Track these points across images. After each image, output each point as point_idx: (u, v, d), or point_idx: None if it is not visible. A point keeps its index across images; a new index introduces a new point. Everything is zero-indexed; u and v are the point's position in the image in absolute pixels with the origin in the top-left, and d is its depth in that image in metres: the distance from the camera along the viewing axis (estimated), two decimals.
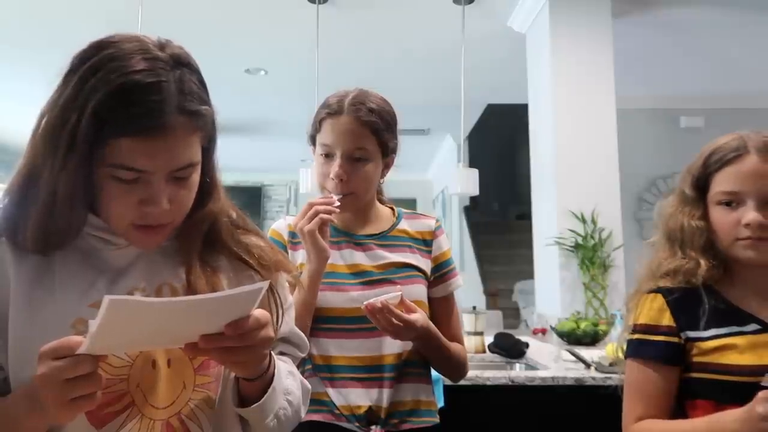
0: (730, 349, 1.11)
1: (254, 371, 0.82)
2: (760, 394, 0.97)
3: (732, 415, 1.02)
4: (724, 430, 1.03)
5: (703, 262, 1.18)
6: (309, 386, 1.00)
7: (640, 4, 3.75)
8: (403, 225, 1.44)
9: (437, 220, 1.47)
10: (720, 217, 1.18)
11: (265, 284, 0.72)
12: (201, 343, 0.73)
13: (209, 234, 0.90)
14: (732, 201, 1.16)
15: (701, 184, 1.22)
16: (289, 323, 0.98)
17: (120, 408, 0.81)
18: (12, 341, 0.79)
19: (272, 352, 0.88)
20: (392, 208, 1.48)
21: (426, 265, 1.40)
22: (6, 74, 4.98)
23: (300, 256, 1.35)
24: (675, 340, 1.16)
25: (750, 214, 1.13)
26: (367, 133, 1.33)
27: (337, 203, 1.30)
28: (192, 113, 0.79)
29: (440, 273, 1.43)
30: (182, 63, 0.81)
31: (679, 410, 1.17)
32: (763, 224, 1.12)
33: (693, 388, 1.15)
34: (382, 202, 1.49)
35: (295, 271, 1.00)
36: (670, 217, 1.25)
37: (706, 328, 1.14)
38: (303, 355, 1.03)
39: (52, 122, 0.79)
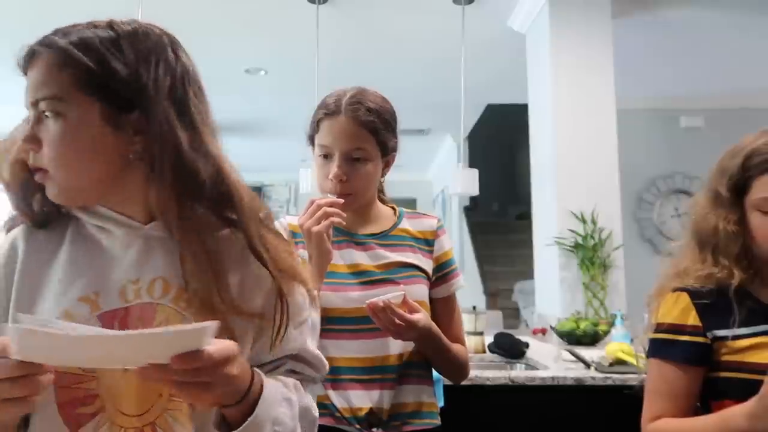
0: (764, 347, 1.08)
1: (221, 403, 0.76)
2: None
3: (743, 406, 1.00)
4: (735, 421, 1.01)
5: (737, 272, 1.13)
6: (315, 415, 0.92)
7: (640, 4, 3.75)
8: (405, 224, 1.42)
9: (439, 220, 1.46)
10: (762, 224, 1.12)
11: (212, 324, 0.66)
12: (145, 372, 0.67)
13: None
14: None
15: (739, 187, 1.15)
16: (299, 339, 0.91)
17: (92, 411, 0.79)
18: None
19: (278, 370, 0.86)
20: (394, 208, 1.47)
21: (428, 265, 1.39)
22: (5, 75, 4.97)
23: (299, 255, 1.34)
24: (701, 340, 1.13)
25: None
26: (365, 133, 1.32)
27: (341, 201, 1.29)
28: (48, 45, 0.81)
29: (442, 273, 1.41)
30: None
31: (705, 410, 1.14)
32: None
33: (721, 388, 1.12)
34: (383, 201, 1.47)
35: (310, 285, 0.92)
36: (702, 218, 1.19)
37: (734, 327, 1.11)
38: (317, 376, 0.96)
39: None
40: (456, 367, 1.42)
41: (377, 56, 4.60)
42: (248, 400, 0.77)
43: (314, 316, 0.94)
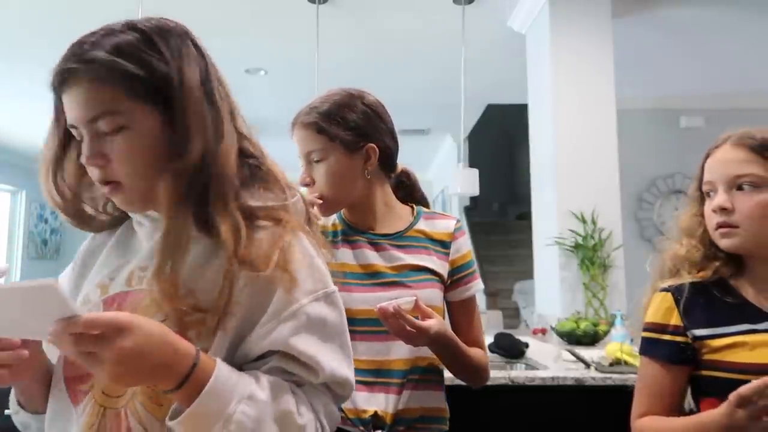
0: (741, 347, 1.10)
1: (133, 382, 0.72)
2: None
3: (717, 415, 1.02)
4: (712, 422, 1.03)
5: (685, 241, 1.20)
6: (300, 423, 0.76)
7: (640, 4, 3.75)
8: (421, 225, 1.39)
9: (458, 221, 1.42)
10: (707, 208, 1.20)
11: (49, 282, 0.62)
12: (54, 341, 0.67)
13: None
14: (710, 191, 1.18)
15: (700, 182, 1.23)
16: (283, 334, 0.78)
17: (86, 389, 0.82)
18: None
19: (264, 367, 0.78)
20: (412, 207, 1.44)
21: (442, 268, 1.36)
22: (4, 73, 4.97)
23: None
24: (681, 339, 1.16)
25: (716, 199, 1.15)
26: (312, 135, 1.33)
27: (320, 202, 1.31)
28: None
29: (459, 276, 1.38)
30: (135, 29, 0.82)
31: (696, 407, 1.17)
32: (724, 207, 1.13)
33: (704, 387, 1.15)
34: (404, 201, 1.45)
35: (298, 280, 0.80)
36: (678, 217, 1.28)
37: (715, 326, 1.14)
38: (312, 380, 0.80)
39: None
40: (474, 371, 1.38)
41: (377, 56, 4.60)
42: (187, 389, 0.70)
43: (317, 313, 0.81)
